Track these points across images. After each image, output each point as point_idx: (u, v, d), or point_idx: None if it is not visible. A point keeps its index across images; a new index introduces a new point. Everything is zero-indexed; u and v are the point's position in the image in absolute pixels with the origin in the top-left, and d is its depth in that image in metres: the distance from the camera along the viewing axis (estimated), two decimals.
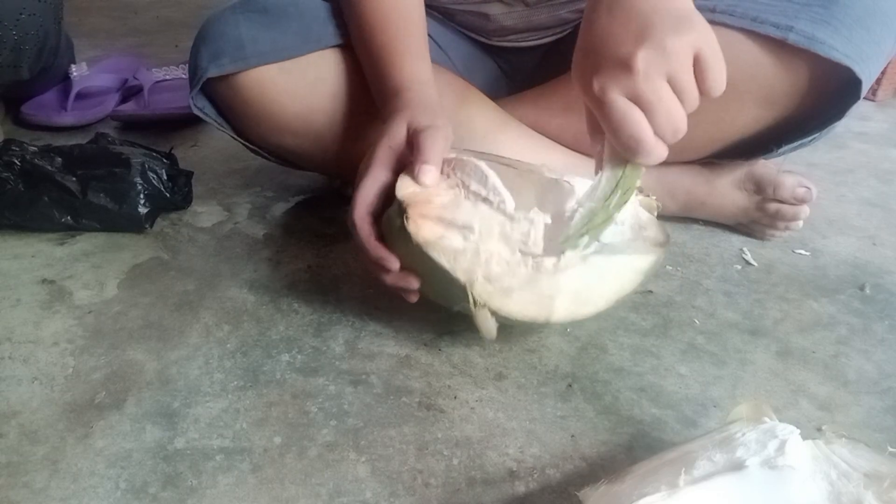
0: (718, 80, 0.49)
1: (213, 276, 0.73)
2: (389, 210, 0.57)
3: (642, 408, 0.58)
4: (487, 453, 0.53)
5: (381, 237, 0.58)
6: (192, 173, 0.88)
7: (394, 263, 0.57)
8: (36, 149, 0.84)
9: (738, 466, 0.41)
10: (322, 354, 0.63)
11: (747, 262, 0.79)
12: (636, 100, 0.48)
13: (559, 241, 0.54)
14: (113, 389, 0.58)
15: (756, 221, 0.82)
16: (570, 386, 0.60)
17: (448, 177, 0.59)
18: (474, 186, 0.57)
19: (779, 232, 0.81)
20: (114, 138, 0.90)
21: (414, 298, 0.60)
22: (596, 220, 0.53)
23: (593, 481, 0.46)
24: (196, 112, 0.74)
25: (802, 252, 0.81)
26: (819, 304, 0.72)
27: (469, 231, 0.54)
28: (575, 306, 0.55)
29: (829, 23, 0.63)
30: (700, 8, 0.69)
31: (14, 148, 0.82)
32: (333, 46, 0.73)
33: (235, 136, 0.77)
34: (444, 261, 0.54)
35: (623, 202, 0.53)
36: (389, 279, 0.58)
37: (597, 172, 0.54)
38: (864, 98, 0.66)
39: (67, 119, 1.10)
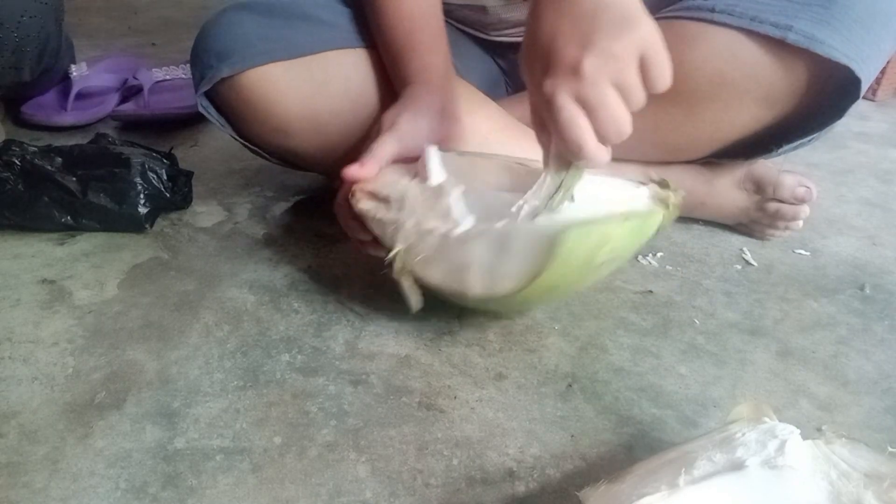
0: (662, 76, 0.50)
1: (213, 276, 0.74)
2: None
3: (642, 408, 0.58)
4: (487, 453, 0.53)
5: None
6: (192, 173, 0.88)
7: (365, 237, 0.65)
8: (36, 149, 0.83)
9: (738, 466, 0.41)
10: (322, 354, 0.63)
11: (747, 262, 0.79)
12: (583, 103, 0.49)
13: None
14: (113, 389, 0.58)
15: (756, 221, 0.82)
16: (570, 386, 0.60)
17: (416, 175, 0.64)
18: (420, 169, 0.62)
19: (779, 232, 0.81)
20: (114, 138, 0.90)
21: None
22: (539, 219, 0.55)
23: (593, 481, 0.46)
24: (203, 112, 0.74)
25: (802, 252, 0.81)
26: (819, 304, 0.72)
27: (398, 205, 0.60)
28: (489, 281, 0.55)
29: (829, 22, 0.63)
30: (699, 8, 0.69)
31: (14, 148, 0.82)
32: (340, 48, 0.73)
33: (236, 137, 0.77)
34: (377, 230, 0.61)
35: (564, 200, 0.55)
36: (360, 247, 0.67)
37: (545, 166, 0.55)
38: (863, 98, 0.67)
39: (67, 119, 1.10)
